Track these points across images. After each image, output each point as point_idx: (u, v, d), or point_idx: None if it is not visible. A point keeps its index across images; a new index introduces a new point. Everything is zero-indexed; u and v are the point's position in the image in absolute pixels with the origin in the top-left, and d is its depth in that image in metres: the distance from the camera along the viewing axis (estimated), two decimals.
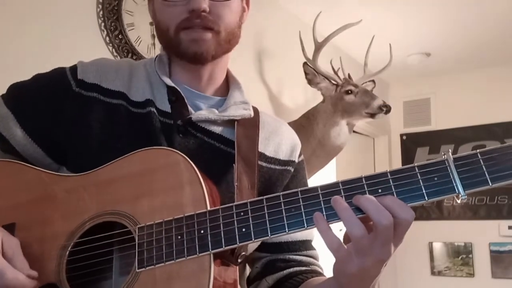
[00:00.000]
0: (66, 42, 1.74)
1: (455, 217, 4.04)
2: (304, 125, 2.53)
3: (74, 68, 0.85)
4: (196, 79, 0.86)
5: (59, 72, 0.85)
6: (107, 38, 1.89)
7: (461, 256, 3.97)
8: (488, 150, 0.60)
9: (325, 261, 0.94)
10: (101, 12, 1.88)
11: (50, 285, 0.70)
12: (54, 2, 1.73)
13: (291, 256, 0.88)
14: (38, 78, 0.87)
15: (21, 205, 0.77)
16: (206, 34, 0.79)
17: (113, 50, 1.91)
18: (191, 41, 0.80)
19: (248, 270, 0.92)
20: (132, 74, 0.86)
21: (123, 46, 1.93)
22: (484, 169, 0.59)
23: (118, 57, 1.92)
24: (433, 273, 4.07)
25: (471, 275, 3.91)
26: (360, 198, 0.62)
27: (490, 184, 0.59)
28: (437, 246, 4.07)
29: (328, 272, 0.78)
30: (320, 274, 0.87)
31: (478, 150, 0.60)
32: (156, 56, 0.89)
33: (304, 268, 0.87)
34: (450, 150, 0.62)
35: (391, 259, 0.65)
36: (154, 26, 0.88)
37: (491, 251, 3.84)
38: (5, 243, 0.68)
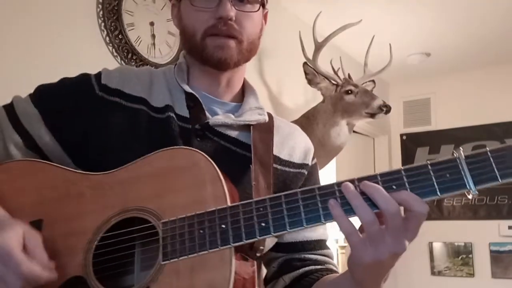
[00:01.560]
0: (66, 42, 1.74)
1: (455, 217, 4.04)
2: (304, 125, 2.53)
3: (98, 74, 0.90)
4: (214, 85, 0.90)
5: (84, 77, 0.90)
6: (107, 38, 1.89)
7: (461, 256, 3.97)
8: (497, 148, 0.63)
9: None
10: (101, 12, 1.88)
11: (77, 278, 0.73)
12: (54, 2, 1.73)
13: (306, 255, 0.91)
14: (64, 81, 0.91)
15: (48, 202, 0.81)
16: (230, 42, 0.84)
17: (113, 50, 1.91)
18: (216, 47, 0.84)
19: (264, 271, 0.95)
20: (153, 81, 0.90)
21: (123, 46, 1.93)
22: (494, 166, 0.62)
23: (118, 57, 1.92)
24: (433, 273, 4.07)
25: (471, 275, 3.91)
26: (368, 185, 0.64)
27: (500, 181, 0.62)
28: (437, 246, 4.08)
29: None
30: (334, 272, 0.90)
31: (488, 148, 0.63)
32: (175, 64, 0.93)
33: (319, 266, 0.90)
34: (461, 148, 0.65)
35: None
36: (179, 31, 0.91)
37: (491, 251, 3.84)
38: (26, 237, 0.71)
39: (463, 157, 0.63)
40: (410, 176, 0.65)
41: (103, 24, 1.89)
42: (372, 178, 0.66)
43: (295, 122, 2.58)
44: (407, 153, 4.31)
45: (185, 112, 0.87)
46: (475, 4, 2.95)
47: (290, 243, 0.91)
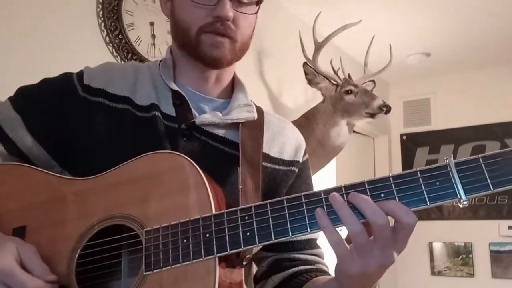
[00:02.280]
0: (66, 42, 1.74)
1: (455, 217, 4.04)
2: (304, 125, 2.52)
3: (80, 74, 0.87)
4: (203, 81, 0.88)
5: (66, 77, 0.87)
6: (107, 38, 1.89)
7: (461, 256, 3.97)
8: (489, 154, 0.60)
9: (330, 260, 0.94)
10: (101, 12, 1.88)
11: (60, 287, 0.71)
12: (54, 2, 1.73)
13: (296, 255, 0.89)
14: (45, 82, 0.88)
15: (31, 207, 0.79)
16: (225, 41, 0.81)
17: (113, 50, 1.91)
18: (211, 45, 0.81)
19: (254, 269, 0.94)
20: (137, 78, 0.87)
21: (123, 46, 1.93)
22: (486, 174, 0.59)
23: (118, 57, 1.92)
24: (433, 273, 4.07)
25: (471, 275, 3.91)
26: (356, 196, 0.62)
27: (492, 189, 0.59)
28: (437, 246, 4.07)
29: (333, 271, 0.78)
30: (325, 272, 0.88)
31: (480, 155, 0.60)
32: (160, 60, 0.90)
33: (309, 266, 0.88)
34: (452, 155, 0.62)
35: None
36: (169, 22, 0.88)
37: (491, 251, 3.84)
38: (21, 252, 0.69)
39: (454, 164, 0.60)
40: (398, 184, 0.62)
41: (103, 24, 1.89)
42: (359, 186, 0.63)
43: (295, 122, 2.58)
44: (407, 153, 4.30)
45: (171, 111, 0.84)
46: (475, 4, 2.95)
47: (280, 243, 0.86)
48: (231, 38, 0.82)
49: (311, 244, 0.91)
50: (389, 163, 4.29)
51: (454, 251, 4.00)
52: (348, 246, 0.63)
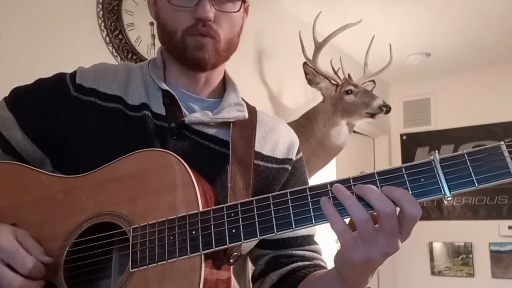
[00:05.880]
0: (66, 42, 1.74)
1: (455, 217, 4.04)
2: (304, 125, 2.53)
3: (73, 74, 0.88)
4: (192, 83, 0.88)
5: (59, 77, 0.88)
6: (107, 38, 1.90)
7: (461, 256, 3.97)
8: (474, 151, 0.60)
9: (327, 256, 0.94)
10: (101, 12, 1.88)
11: (48, 284, 0.71)
12: (54, 2, 1.73)
13: (293, 252, 0.89)
14: (39, 82, 0.89)
15: (22, 205, 0.79)
16: (208, 41, 0.81)
17: (113, 50, 1.91)
18: (195, 47, 0.81)
19: (251, 268, 0.93)
20: (129, 78, 0.88)
21: (123, 46, 1.93)
22: (471, 170, 0.59)
23: (118, 57, 1.92)
24: (433, 273, 4.07)
25: (471, 275, 3.91)
26: (362, 187, 0.62)
27: (476, 185, 0.59)
28: (437, 246, 4.08)
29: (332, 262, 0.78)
30: (323, 268, 0.87)
31: (464, 151, 0.60)
32: (150, 60, 0.91)
33: (307, 262, 0.88)
34: (437, 151, 0.62)
35: (391, 258, 0.65)
36: (156, 25, 0.88)
37: (491, 251, 3.84)
38: (17, 234, 0.71)
39: (438, 160, 0.60)
40: (383, 180, 0.62)
41: (103, 24, 1.89)
42: (344, 182, 0.63)
43: (295, 122, 2.59)
44: (407, 153, 4.31)
45: (161, 110, 0.84)
46: (475, 4, 2.95)
47: (277, 240, 0.88)
48: (213, 38, 0.81)
49: (309, 240, 0.91)
50: (389, 163, 4.29)
51: (454, 251, 4.00)
52: (353, 234, 0.62)
